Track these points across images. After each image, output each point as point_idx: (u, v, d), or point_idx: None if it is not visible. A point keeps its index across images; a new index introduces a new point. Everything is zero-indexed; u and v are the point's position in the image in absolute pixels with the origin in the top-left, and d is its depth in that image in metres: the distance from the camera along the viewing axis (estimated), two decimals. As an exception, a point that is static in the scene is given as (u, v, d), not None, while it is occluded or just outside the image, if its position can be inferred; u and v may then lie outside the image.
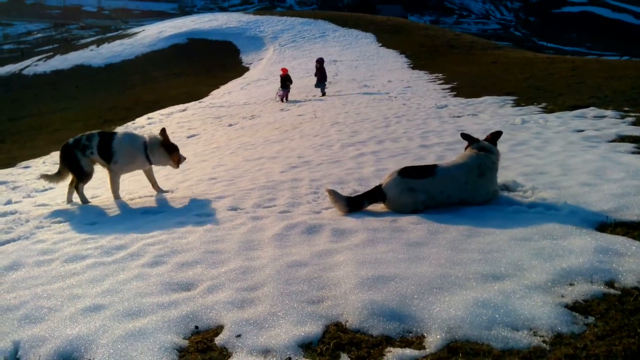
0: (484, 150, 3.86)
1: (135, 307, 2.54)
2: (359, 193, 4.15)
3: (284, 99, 16.31)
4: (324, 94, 16.56)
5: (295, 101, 15.61)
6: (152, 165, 5.44)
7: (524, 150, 5.45)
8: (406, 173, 3.85)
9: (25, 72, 41.30)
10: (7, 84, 37.91)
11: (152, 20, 75.97)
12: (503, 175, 4.28)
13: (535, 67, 15.71)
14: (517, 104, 9.16)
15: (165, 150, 5.27)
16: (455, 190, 3.77)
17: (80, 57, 42.31)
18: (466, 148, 4.01)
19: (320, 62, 17.12)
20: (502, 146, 5.62)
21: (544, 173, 4.39)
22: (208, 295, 2.62)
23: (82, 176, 5.33)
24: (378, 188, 3.93)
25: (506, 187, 4.09)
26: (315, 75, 17.00)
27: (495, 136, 4.04)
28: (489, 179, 3.79)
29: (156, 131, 5.56)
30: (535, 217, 3.34)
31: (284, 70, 17.17)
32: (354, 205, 3.92)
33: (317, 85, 16.82)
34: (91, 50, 44.68)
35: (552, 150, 5.28)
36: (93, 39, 55.66)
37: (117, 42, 45.74)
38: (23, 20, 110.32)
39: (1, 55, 63.17)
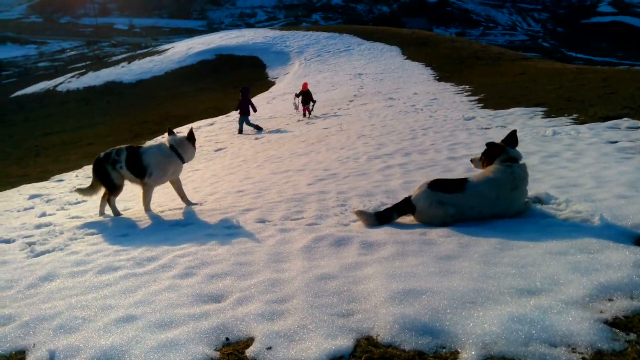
0: (515, 160, 3.77)
1: (167, 318, 2.56)
2: (388, 206, 4.12)
3: (306, 113, 16.17)
4: (240, 131, 14.92)
5: (322, 115, 15.69)
6: (180, 178, 5.57)
7: (556, 162, 5.32)
8: (436, 186, 3.80)
9: (58, 88, 42.78)
10: (41, 100, 39.34)
11: (181, 37, 77.97)
12: (535, 188, 4.19)
13: (564, 78, 15.42)
14: (548, 115, 8.99)
15: (191, 143, 5.65)
16: (487, 206, 3.68)
17: (111, 73, 43.62)
18: (486, 154, 3.91)
19: (243, 92, 15.54)
20: (533, 158, 5.54)
21: (578, 185, 4.28)
22: (238, 307, 2.63)
23: (112, 189, 5.47)
24: (407, 200, 3.89)
25: (539, 200, 4.00)
26: (238, 108, 15.31)
27: (512, 137, 3.91)
28: (522, 191, 3.71)
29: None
30: (570, 230, 3.24)
31: (305, 85, 17.16)
32: (383, 219, 3.90)
33: (239, 120, 15.19)
34: (122, 67, 46.02)
35: (585, 162, 5.14)
36: (124, 56, 57.35)
37: (148, 58, 47.01)
38: (57, 39, 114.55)
39: (36, 73, 65.66)
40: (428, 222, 3.76)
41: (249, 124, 15.13)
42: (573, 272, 2.56)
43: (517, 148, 3.89)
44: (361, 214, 3.97)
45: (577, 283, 2.43)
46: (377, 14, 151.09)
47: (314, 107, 16.62)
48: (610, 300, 2.26)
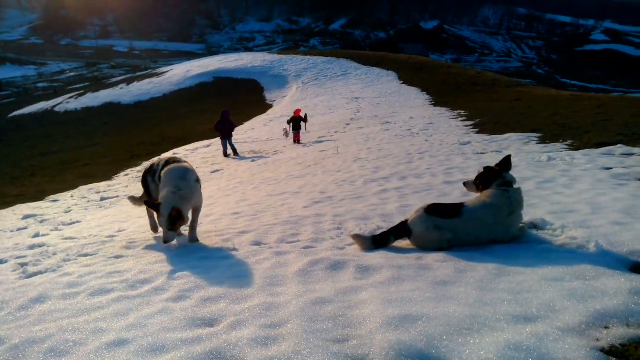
0: (511, 184, 3.78)
1: (159, 343, 2.52)
2: (384, 230, 4.12)
3: (298, 140, 15.64)
4: (226, 154, 14.70)
5: (318, 138, 15.78)
6: None
7: (551, 187, 5.35)
8: (433, 210, 3.79)
9: (57, 109, 42.94)
10: (39, 120, 39.43)
11: (180, 60, 78.76)
12: (531, 214, 4.20)
13: (559, 105, 15.61)
14: (542, 141, 9.07)
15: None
16: (484, 231, 3.67)
17: (110, 95, 43.89)
18: (483, 178, 3.91)
19: (224, 114, 15.33)
20: (528, 184, 5.56)
21: (573, 211, 4.29)
22: (232, 332, 2.59)
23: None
24: (404, 224, 3.89)
25: (535, 226, 4.00)
26: (217, 128, 15.17)
27: (506, 162, 3.91)
28: (518, 216, 3.71)
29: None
30: (566, 256, 3.24)
31: (298, 111, 16.61)
32: (380, 243, 3.89)
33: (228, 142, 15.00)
34: (121, 88, 46.34)
35: (581, 188, 5.17)
36: (123, 77, 57.83)
37: (147, 80, 47.39)
38: (57, 60, 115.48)
39: (35, 93, 65.93)
40: (424, 246, 3.75)
41: (226, 145, 14.92)
42: (569, 299, 2.55)
43: (512, 173, 3.91)
44: (357, 237, 3.96)
45: (573, 310, 2.42)
46: (374, 40, 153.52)
47: (306, 125, 16.82)
48: (606, 327, 2.25)
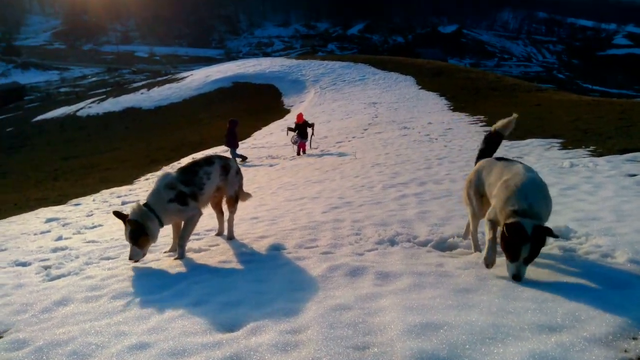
0: None
1: (180, 347, 2.54)
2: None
3: (301, 150, 14.79)
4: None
5: (336, 143, 15.77)
6: None
7: (574, 194, 5.26)
8: None
9: (79, 113, 43.74)
10: (62, 124, 40.19)
11: (199, 65, 79.69)
12: (554, 221, 4.12)
13: (581, 110, 15.35)
14: (564, 146, 8.92)
15: None
16: None
17: (131, 100, 44.54)
18: None
19: (232, 124, 15.27)
20: (551, 190, 5.45)
21: (597, 219, 4.21)
22: (252, 337, 2.60)
23: None
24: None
25: (559, 233, 3.93)
26: (227, 139, 15.19)
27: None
28: None
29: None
30: (591, 265, 3.18)
31: (300, 116, 15.64)
32: None
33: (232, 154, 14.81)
34: (142, 93, 47.02)
35: (604, 195, 5.07)
36: (144, 82, 58.72)
37: (167, 85, 48.00)
38: (79, 65, 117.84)
39: (57, 98, 67.33)
40: None
41: (234, 155, 14.94)
42: (595, 309, 2.50)
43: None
44: None
45: (600, 320, 2.37)
46: (392, 45, 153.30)
47: (313, 132, 15.45)
48: (634, 339, 2.19)
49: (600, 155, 7.59)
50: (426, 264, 3.51)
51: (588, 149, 8.25)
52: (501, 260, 3.22)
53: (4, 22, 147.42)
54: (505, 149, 9.53)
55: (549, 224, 3.87)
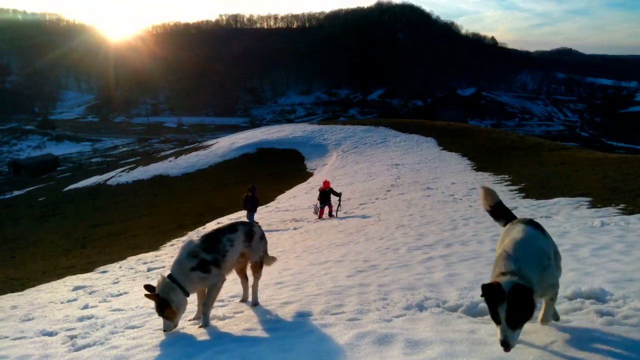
0: None
1: (204, 421, 2.46)
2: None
3: (330, 213, 14.85)
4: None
5: (359, 205, 15.77)
6: None
7: (607, 255, 5.07)
8: None
9: (109, 182, 45.10)
10: (93, 193, 41.40)
11: (225, 133, 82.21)
12: (588, 282, 3.97)
13: (607, 167, 15.12)
14: (593, 205, 8.73)
15: None
16: None
17: (159, 168, 45.90)
18: None
19: (252, 190, 15.73)
20: (582, 251, 5.30)
21: (634, 280, 4.03)
22: (277, 410, 2.50)
23: None
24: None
25: (594, 296, 3.76)
26: (246, 204, 15.64)
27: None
28: None
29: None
30: (632, 329, 3.01)
31: (326, 183, 15.72)
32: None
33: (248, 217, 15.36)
34: (170, 161, 48.48)
35: (639, 254, 4.88)
36: (172, 151, 60.65)
37: (194, 153, 49.47)
38: (111, 136, 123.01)
39: (89, 168, 69.90)
40: None
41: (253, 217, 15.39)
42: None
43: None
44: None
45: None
46: (411, 108, 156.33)
47: (340, 202, 15.17)
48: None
49: (632, 213, 7.39)
50: (457, 331, 3.38)
51: (618, 207, 8.05)
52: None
53: (42, 97, 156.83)
54: (532, 208, 9.38)
55: (583, 285, 3.73)
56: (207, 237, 4.54)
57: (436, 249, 6.66)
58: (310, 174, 33.67)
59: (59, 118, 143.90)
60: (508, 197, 11.79)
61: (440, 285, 4.70)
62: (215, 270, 4.38)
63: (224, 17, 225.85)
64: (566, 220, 7.58)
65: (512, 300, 2.58)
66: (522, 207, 9.68)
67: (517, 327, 2.63)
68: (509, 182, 14.95)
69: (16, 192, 51.39)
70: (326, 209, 15.15)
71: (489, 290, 2.65)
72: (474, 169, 21.60)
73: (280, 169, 36.89)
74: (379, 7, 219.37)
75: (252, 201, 15.67)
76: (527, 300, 2.61)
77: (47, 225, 29.51)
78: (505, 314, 2.59)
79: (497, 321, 2.66)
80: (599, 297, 3.73)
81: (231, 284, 6.46)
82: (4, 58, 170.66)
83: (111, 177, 46.61)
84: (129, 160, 64.02)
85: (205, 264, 4.30)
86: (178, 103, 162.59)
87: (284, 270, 7.10)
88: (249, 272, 5.09)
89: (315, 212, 15.21)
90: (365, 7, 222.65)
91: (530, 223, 3.25)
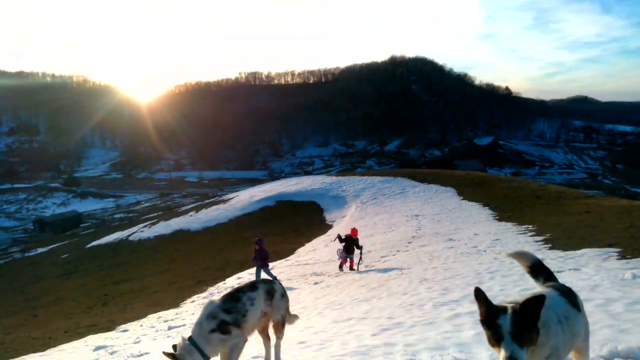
0: None
1: None
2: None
3: (351, 266, 14.65)
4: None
5: (380, 257, 15.56)
6: None
7: (643, 309, 4.88)
8: None
9: (131, 238, 45.56)
10: (115, 249, 41.78)
11: (245, 186, 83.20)
12: (624, 340, 3.81)
13: (634, 216, 14.76)
14: (623, 256, 8.48)
15: None
16: None
17: (180, 222, 46.33)
18: None
19: (259, 243, 15.42)
20: (616, 305, 5.11)
21: (675, 337, 3.85)
22: None
23: None
24: None
25: (632, 355, 3.60)
26: (254, 259, 15.30)
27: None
28: None
29: None
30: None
31: (354, 231, 15.60)
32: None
33: (266, 272, 15.17)
34: (190, 215, 48.97)
35: (678, 309, 4.69)
36: (193, 205, 61.41)
37: (214, 207, 49.96)
38: (134, 192, 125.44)
39: (112, 224, 70.90)
40: None
41: (261, 272, 14.98)
42: None
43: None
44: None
45: None
46: (429, 158, 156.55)
47: (362, 255, 15.03)
48: None
49: (665, 264, 7.14)
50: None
51: (649, 258, 7.80)
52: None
53: (67, 155, 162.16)
54: (560, 260, 9.14)
55: (620, 344, 3.57)
56: (227, 297, 4.52)
57: (463, 305, 6.49)
58: (330, 226, 33.56)
59: (84, 175, 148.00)
60: (534, 247, 11.53)
61: (470, 345, 4.55)
62: (235, 330, 4.33)
63: (243, 75, 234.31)
64: (596, 272, 7.35)
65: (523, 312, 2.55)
66: (549, 258, 9.44)
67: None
68: (533, 233, 14.65)
69: (40, 249, 52.24)
70: (347, 260, 14.94)
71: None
72: (497, 219, 21.27)
73: (300, 221, 36.91)
74: (392, 61, 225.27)
75: (261, 254, 15.21)
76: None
77: (70, 282, 29.70)
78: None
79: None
80: (638, 357, 3.57)
81: (254, 343, 6.36)
82: (32, 119, 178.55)
83: (133, 233, 47.14)
84: (150, 215, 64.83)
85: (224, 326, 4.26)
86: (199, 158, 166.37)
87: (307, 328, 6.98)
88: (270, 331, 5.02)
89: (340, 257, 14.99)
90: (380, 61, 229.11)
91: (560, 289, 3.00)
